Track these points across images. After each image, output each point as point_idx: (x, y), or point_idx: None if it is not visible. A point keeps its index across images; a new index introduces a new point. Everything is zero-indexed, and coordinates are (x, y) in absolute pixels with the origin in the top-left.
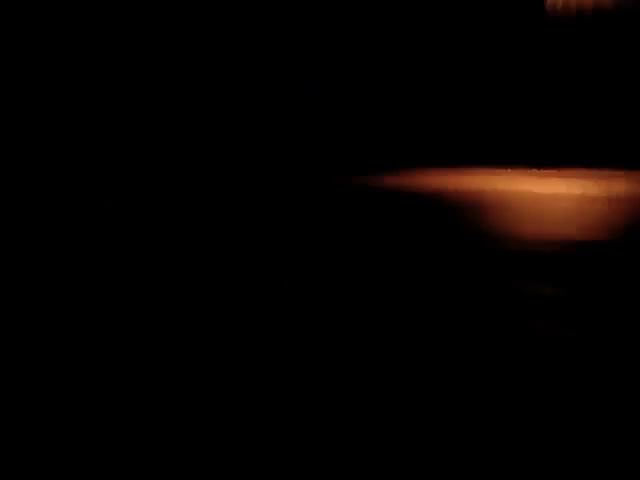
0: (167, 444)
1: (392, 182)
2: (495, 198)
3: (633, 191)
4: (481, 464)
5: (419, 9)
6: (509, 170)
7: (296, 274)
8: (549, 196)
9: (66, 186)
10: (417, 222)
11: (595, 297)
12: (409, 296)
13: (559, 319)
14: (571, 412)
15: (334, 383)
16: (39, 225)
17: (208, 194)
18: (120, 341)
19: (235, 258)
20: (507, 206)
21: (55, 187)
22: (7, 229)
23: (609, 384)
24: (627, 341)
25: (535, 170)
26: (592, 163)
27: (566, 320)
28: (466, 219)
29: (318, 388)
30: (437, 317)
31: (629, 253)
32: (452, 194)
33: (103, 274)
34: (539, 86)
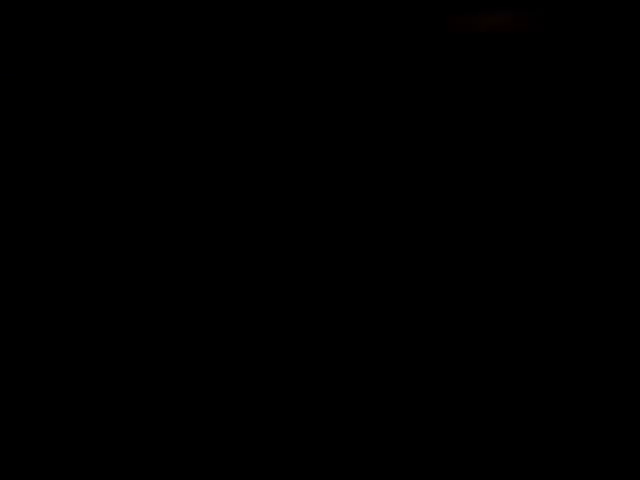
0: (167, 444)
1: None
2: None
3: None
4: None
5: None
6: None
7: (296, 274)
8: None
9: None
10: None
11: None
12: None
13: None
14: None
15: (334, 383)
16: (39, 225)
17: (207, 193)
18: (120, 341)
19: (234, 258)
20: None
21: (54, 187)
22: (7, 229)
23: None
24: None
25: None
26: None
27: None
28: None
29: (318, 388)
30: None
31: None
32: None
33: (102, 274)
34: None
